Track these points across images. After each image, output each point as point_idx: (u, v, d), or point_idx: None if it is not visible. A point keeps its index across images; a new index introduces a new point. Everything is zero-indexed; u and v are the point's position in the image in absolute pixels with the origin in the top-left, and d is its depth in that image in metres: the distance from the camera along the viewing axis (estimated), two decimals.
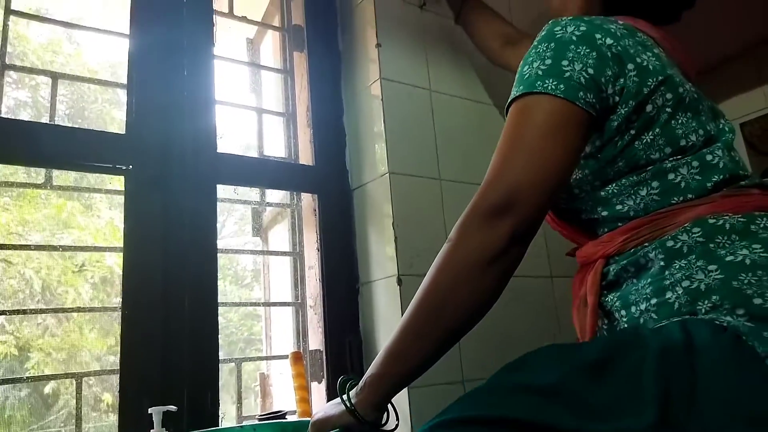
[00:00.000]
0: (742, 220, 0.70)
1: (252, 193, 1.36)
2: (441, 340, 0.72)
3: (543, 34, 0.78)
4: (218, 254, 1.19)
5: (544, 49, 0.75)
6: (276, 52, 1.49)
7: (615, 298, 0.77)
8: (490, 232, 0.68)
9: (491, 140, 1.52)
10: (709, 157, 0.75)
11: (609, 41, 0.74)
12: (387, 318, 1.26)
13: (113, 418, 1.07)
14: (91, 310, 1.11)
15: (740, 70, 1.73)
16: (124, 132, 1.14)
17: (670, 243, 0.71)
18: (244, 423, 1.18)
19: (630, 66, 0.74)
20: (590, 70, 0.72)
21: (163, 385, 1.06)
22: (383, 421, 0.76)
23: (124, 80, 1.17)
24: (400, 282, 1.22)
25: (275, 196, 1.41)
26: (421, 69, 1.40)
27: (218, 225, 1.22)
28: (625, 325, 0.75)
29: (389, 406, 0.77)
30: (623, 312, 0.75)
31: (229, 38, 1.45)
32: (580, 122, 0.71)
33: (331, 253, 1.33)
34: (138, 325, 1.06)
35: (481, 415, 0.59)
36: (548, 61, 0.73)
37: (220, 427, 1.04)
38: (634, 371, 0.60)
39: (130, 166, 1.12)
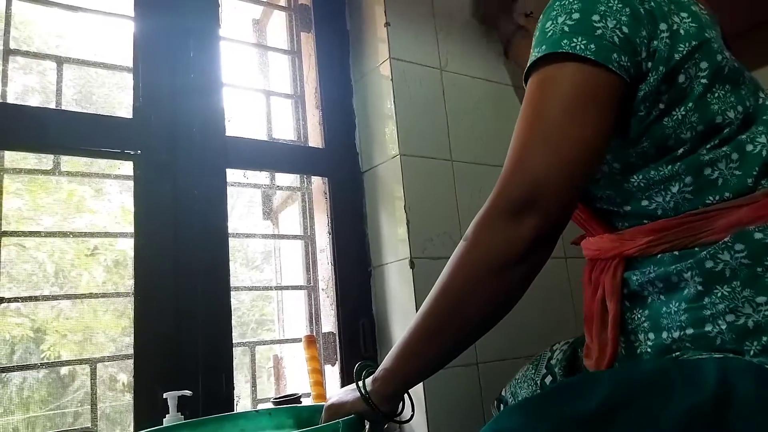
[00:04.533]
0: None
1: (262, 176, 1.34)
2: (456, 343, 0.68)
3: None
4: (229, 238, 1.19)
5: (571, 0, 0.64)
6: (283, 32, 1.46)
7: (642, 318, 0.67)
8: (510, 234, 0.60)
9: (504, 120, 1.48)
10: (749, 147, 0.64)
11: None
12: (400, 301, 1.25)
13: (129, 398, 1.07)
14: (104, 296, 1.11)
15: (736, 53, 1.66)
16: (131, 116, 1.12)
17: (709, 264, 0.61)
18: (260, 407, 1.18)
19: (662, 26, 0.64)
20: (624, 29, 0.61)
21: (177, 370, 1.07)
22: (398, 411, 0.75)
23: (130, 63, 1.15)
24: (412, 265, 1.21)
25: (285, 179, 1.40)
26: (431, 48, 1.37)
27: (228, 208, 1.22)
28: (649, 350, 0.66)
29: (405, 395, 0.76)
30: (651, 335, 0.66)
31: (234, 19, 1.42)
32: (613, 92, 0.61)
33: (342, 236, 1.32)
34: (151, 311, 1.06)
35: None
36: (576, 15, 0.63)
37: (235, 412, 1.04)
38: (647, 425, 0.54)
39: (139, 151, 1.11)
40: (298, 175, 1.38)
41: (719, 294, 0.60)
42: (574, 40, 0.61)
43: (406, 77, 1.31)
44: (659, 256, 0.66)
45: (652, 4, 0.64)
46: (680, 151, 0.65)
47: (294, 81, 1.42)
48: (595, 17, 0.62)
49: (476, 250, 0.63)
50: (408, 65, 1.32)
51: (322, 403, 1.03)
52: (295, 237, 1.38)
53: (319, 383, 1.19)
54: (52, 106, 1.07)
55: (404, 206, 1.24)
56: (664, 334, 0.64)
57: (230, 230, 1.19)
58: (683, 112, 0.64)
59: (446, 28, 1.41)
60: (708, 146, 0.64)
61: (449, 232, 1.27)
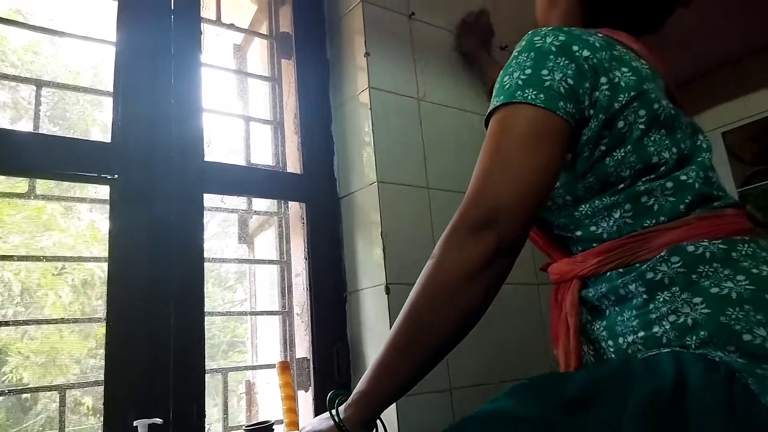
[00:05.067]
0: (722, 247, 0.69)
1: (239, 201, 1.35)
2: (427, 357, 0.71)
3: (523, 44, 0.77)
4: (205, 262, 1.18)
5: (524, 59, 0.74)
6: (263, 58, 1.48)
7: (601, 328, 0.75)
8: (472, 248, 0.67)
9: (479, 150, 1.53)
10: (683, 178, 0.73)
11: (586, 53, 0.73)
12: (375, 327, 1.26)
13: (93, 421, 1.05)
14: (76, 321, 1.09)
15: (722, 79, 1.76)
16: (109, 140, 1.12)
17: (650, 275, 0.70)
18: None
19: (603, 80, 0.73)
20: (570, 81, 0.71)
21: (148, 397, 1.05)
22: None
23: (108, 84, 1.15)
24: (388, 291, 1.22)
25: (262, 203, 1.40)
26: (409, 78, 1.40)
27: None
28: (612, 355, 0.74)
29: (378, 422, 0.77)
30: (610, 342, 0.74)
31: (215, 44, 1.43)
32: (560, 132, 0.70)
33: (318, 262, 1.33)
34: (123, 336, 1.05)
35: None
36: (528, 71, 0.72)
37: None
38: (617, 411, 0.60)
39: (116, 176, 1.10)
40: (276, 200, 1.39)
41: (661, 299, 0.69)
42: (527, 91, 0.71)
43: (385, 106, 1.33)
44: (608, 274, 0.74)
45: (595, 60, 0.73)
46: (621, 186, 0.74)
47: (274, 107, 1.44)
48: (544, 72, 0.72)
49: (442, 265, 0.69)
50: (386, 95, 1.35)
51: (295, 431, 1.03)
52: (270, 262, 1.38)
53: (292, 410, 1.19)
54: (25, 121, 1.07)
55: (381, 232, 1.25)
56: (620, 340, 0.72)
57: (205, 253, 1.19)
58: (622, 154, 0.73)
59: (424, 60, 1.45)
60: (644, 179, 0.73)
61: (425, 258, 1.27)
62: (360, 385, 0.74)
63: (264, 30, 1.47)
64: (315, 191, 1.37)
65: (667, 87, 0.81)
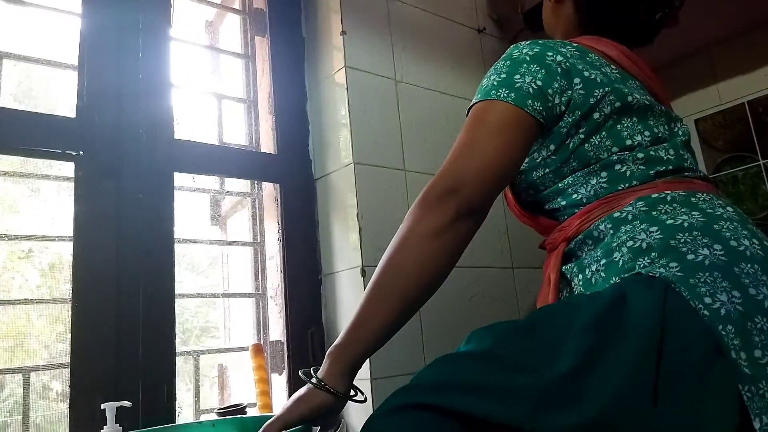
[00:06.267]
0: (683, 193, 0.80)
1: (211, 181, 1.32)
2: (399, 304, 0.75)
3: (504, 54, 0.88)
4: (175, 244, 1.16)
5: (502, 65, 0.86)
6: (236, 35, 1.44)
7: (574, 266, 0.86)
8: (437, 211, 0.77)
9: (456, 131, 1.53)
10: (652, 152, 0.84)
11: (559, 58, 0.84)
12: (350, 309, 1.25)
13: (63, 407, 1.03)
14: (40, 302, 1.06)
15: (695, 68, 1.77)
16: (74, 116, 1.08)
17: (616, 214, 0.81)
18: (203, 419, 1.15)
19: (576, 80, 0.83)
20: (538, 83, 0.82)
21: (116, 380, 1.03)
22: (353, 394, 0.76)
23: (73, 57, 1.11)
24: (363, 273, 1.21)
25: (235, 184, 1.38)
26: (387, 59, 1.38)
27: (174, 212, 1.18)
28: (581, 288, 0.82)
29: (354, 388, 0.77)
30: (579, 276, 0.84)
31: (186, 20, 1.39)
32: (525, 125, 0.81)
33: (293, 244, 1.31)
34: (90, 318, 1.02)
35: (428, 382, 0.66)
36: (503, 75, 0.84)
37: (176, 424, 1.01)
38: (562, 328, 0.67)
39: (81, 152, 1.07)
40: (249, 181, 1.36)
41: (623, 230, 0.79)
42: (500, 90, 0.82)
43: (362, 86, 1.31)
44: (587, 230, 0.85)
45: (568, 64, 0.85)
46: (599, 164, 0.85)
47: (247, 85, 1.40)
48: (517, 76, 0.83)
49: (411, 226, 0.77)
50: (363, 74, 1.32)
51: (269, 414, 1.02)
52: (244, 243, 1.36)
53: (266, 393, 1.18)
54: None
55: (357, 214, 1.24)
56: (587, 271, 0.82)
57: (176, 235, 1.16)
58: (599, 140, 0.84)
59: (402, 42, 1.42)
60: (618, 153, 0.84)
61: None
62: (336, 341, 0.76)
63: (237, 5, 1.43)
64: (289, 172, 1.34)
65: (647, 85, 0.92)
